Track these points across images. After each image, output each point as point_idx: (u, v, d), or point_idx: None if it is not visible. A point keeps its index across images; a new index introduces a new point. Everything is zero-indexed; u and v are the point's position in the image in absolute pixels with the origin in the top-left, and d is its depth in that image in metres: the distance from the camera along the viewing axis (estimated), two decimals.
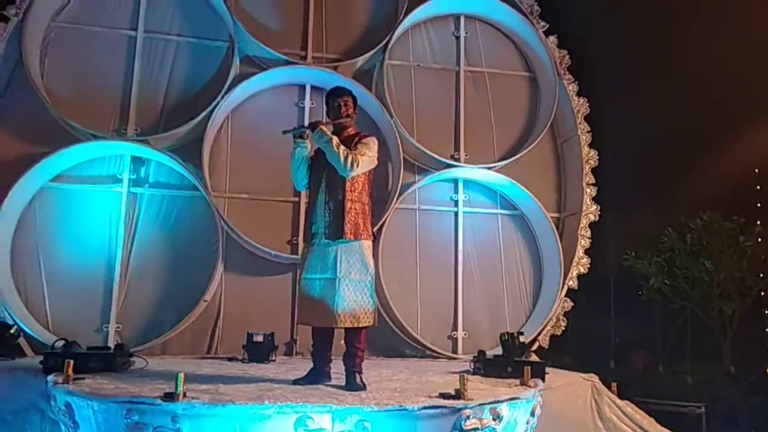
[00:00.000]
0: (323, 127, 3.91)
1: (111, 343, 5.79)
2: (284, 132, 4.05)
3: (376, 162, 4.02)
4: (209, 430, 2.95)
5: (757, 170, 10.05)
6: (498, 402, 3.39)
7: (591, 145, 7.01)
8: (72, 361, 3.61)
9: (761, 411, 9.51)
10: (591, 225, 7.20)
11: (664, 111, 9.85)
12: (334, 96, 4.08)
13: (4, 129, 6.08)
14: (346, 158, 3.82)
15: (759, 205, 9.90)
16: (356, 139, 3.98)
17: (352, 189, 3.92)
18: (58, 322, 5.92)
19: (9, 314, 5.56)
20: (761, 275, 9.51)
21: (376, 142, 4.03)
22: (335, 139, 3.88)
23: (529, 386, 3.90)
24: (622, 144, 10.13)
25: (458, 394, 3.29)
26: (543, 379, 4.41)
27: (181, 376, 2.99)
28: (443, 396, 3.31)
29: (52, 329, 5.86)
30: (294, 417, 2.93)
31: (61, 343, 4.40)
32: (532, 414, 3.86)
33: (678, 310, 10.09)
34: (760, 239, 9.65)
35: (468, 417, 3.21)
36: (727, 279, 9.19)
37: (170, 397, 2.99)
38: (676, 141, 10.07)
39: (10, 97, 6.13)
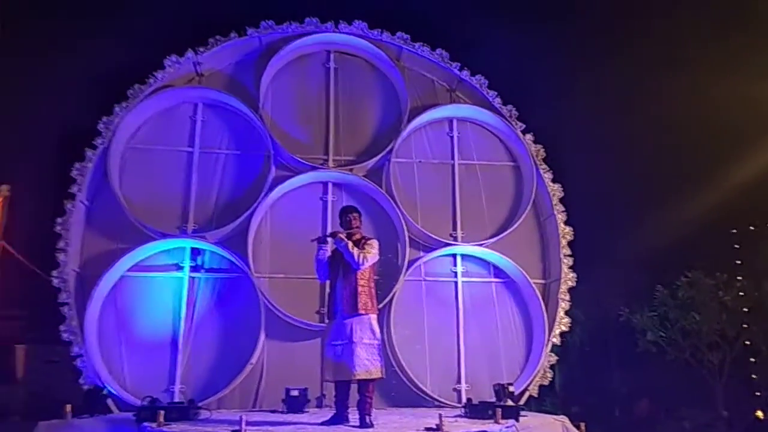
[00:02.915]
0: (341, 235, 5.39)
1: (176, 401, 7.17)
2: (312, 240, 5.53)
3: (377, 257, 5.47)
4: None
5: (734, 231, 11.16)
6: None
7: (566, 222, 8.31)
8: (163, 412, 5.02)
9: None
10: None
11: (640, 187, 11.29)
12: (345, 213, 5.61)
13: (93, 230, 7.71)
14: (358, 256, 5.27)
15: (739, 262, 10.92)
16: (363, 241, 5.45)
17: (362, 278, 5.36)
18: (134, 385, 7.28)
19: (99, 379, 7.03)
20: (744, 326, 10.45)
21: (377, 242, 5.49)
22: (350, 243, 5.35)
23: (499, 423, 5.14)
24: (610, 215, 11.49)
25: (438, 428, 4.58)
26: (517, 420, 5.63)
27: (244, 417, 4.37)
28: (427, 429, 4.59)
29: (129, 390, 7.23)
30: None
31: (147, 399, 5.81)
32: None
33: (673, 359, 11.01)
34: (742, 293, 10.64)
35: None
36: (709, 331, 10.19)
37: None
38: (661, 210, 11.39)
39: (97, 205, 7.77)
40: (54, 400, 10.55)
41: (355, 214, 5.61)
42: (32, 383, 10.44)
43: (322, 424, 5.16)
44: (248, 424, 4.69)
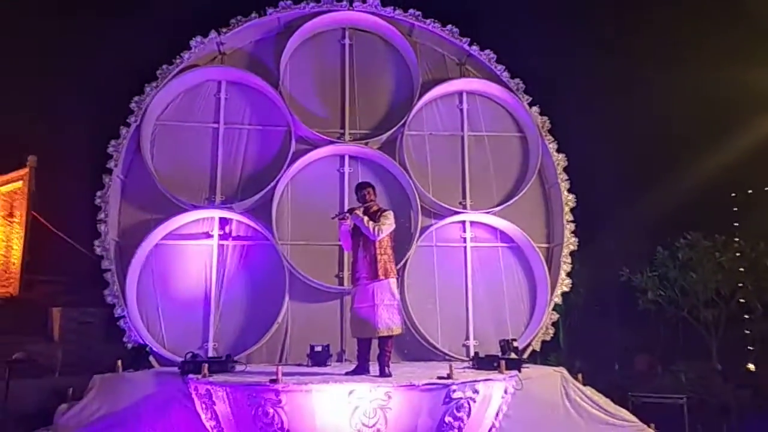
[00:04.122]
0: (357, 211, 5.98)
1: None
2: (332, 217, 6.11)
3: (393, 226, 6.05)
4: (298, 400, 4.98)
5: (734, 194, 11.66)
6: (475, 381, 5.30)
7: (570, 190, 8.81)
8: (207, 364, 5.71)
9: (749, 404, 10.97)
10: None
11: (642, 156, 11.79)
12: (360, 188, 6.20)
13: (128, 202, 8.31)
14: (373, 229, 5.87)
15: (737, 224, 11.45)
16: (379, 213, 6.03)
17: (380, 246, 5.96)
18: (171, 343, 8.00)
19: (140, 338, 7.75)
20: (740, 285, 11.02)
21: (392, 213, 6.07)
22: (365, 218, 5.93)
23: (501, 373, 5.79)
24: (618, 182, 12.00)
25: (448, 376, 5.23)
26: (519, 371, 6.27)
27: (280, 368, 5.03)
28: (439, 377, 5.25)
29: (167, 348, 7.96)
30: (347, 390, 4.93)
31: (190, 354, 6.51)
32: (506, 392, 5.75)
33: (671, 316, 11.65)
34: (738, 254, 11.19)
35: (455, 390, 5.14)
36: (706, 290, 10.78)
37: (274, 381, 5.03)
38: (663, 176, 11.92)
39: (131, 178, 8.36)
40: (87, 358, 11.46)
41: (369, 189, 6.20)
42: (67, 342, 11.26)
43: (347, 374, 5.84)
44: (283, 374, 5.36)
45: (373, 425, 4.91)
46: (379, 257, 5.91)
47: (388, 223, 5.98)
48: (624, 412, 6.93)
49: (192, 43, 8.43)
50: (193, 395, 5.86)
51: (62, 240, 13.58)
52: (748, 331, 11.20)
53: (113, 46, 8.79)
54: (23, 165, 13.04)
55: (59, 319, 11.58)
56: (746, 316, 11.20)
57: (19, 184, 13.49)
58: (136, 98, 8.25)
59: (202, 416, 5.74)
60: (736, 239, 11.30)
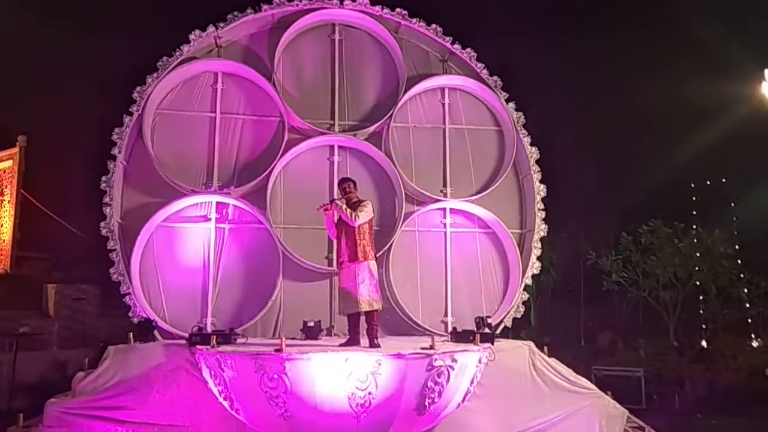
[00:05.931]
0: (338, 202, 6.69)
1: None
2: (317, 209, 6.80)
3: (372, 214, 6.79)
4: (300, 367, 5.67)
5: (693, 185, 12.58)
6: (454, 352, 6.05)
7: (541, 181, 9.54)
8: (216, 336, 6.36)
9: (701, 377, 11.98)
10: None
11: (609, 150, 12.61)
12: (341, 183, 7.05)
13: (130, 186, 8.82)
14: (350, 215, 6.58)
15: (695, 213, 12.38)
16: (358, 203, 6.76)
17: (360, 233, 6.69)
18: (173, 318, 8.58)
19: (145, 313, 8.34)
20: (696, 269, 11.98)
21: (370, 203, 6.83)
22: (344, 206, 6.63)
23: (476, 345, 6.55)
24: (586, 173, 12.82)
25: (431, 347, 5.97)
26: (492, 343, 7.04)
27: (284, 340, 5.71)
28: (423, 348, 5.98)
29: (169, 323, 8.54)
30: (343, 358, 5.64)
31: (196, 328, 7.14)
32: (480, 362, 6.51)
33: (633, 297, 12.60)
34: (696, 240, 12.13)
35: (436, 359, 5.87)
36: (663, 273, 11.71)
37: (278, 350, 5.71)
38: (628, 170, 12.79)
39: (132, 163, 8.86)
40: (81, 332, 12.00)
41: (349, 183, 7.01)
42: (62, 318, 11.78)
43: (341, 345, 6.55)
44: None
45: (365, 388, 5.63)
46: (358, 242, 6.64)
47: (366, 211, 6.70)
48: (584, 381, 7.76)
49: (191, 36, 8.90)
50: (201, 364, 6.50)
51: (51, 219, 14.00)
52: (702, 312, 12.17)
53: (116, 40, 9.22)
54: (14, 145, 13.43)
55: (54, 295, 12.05)
56: (701, 298, 12.16)
57: (9, 163, 13.84)
58: (138, 88, 8.72)
59: (210, 382, 6.39)
60: (694, 227, 12.21)
